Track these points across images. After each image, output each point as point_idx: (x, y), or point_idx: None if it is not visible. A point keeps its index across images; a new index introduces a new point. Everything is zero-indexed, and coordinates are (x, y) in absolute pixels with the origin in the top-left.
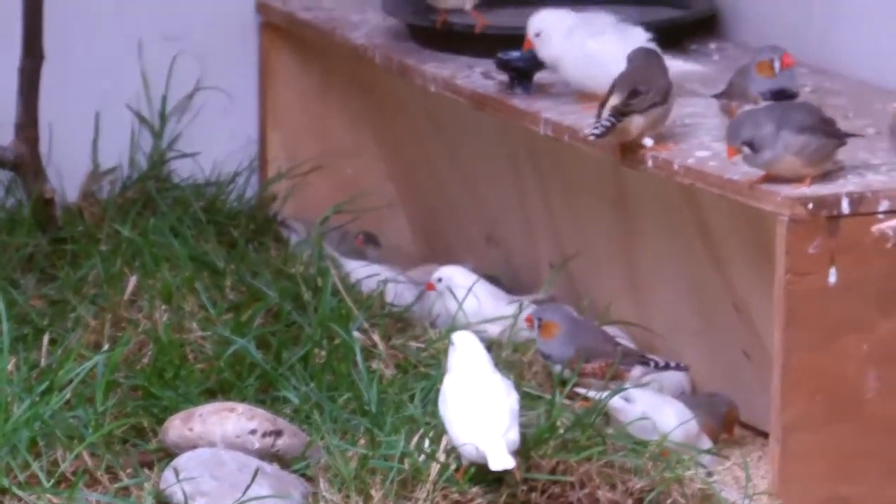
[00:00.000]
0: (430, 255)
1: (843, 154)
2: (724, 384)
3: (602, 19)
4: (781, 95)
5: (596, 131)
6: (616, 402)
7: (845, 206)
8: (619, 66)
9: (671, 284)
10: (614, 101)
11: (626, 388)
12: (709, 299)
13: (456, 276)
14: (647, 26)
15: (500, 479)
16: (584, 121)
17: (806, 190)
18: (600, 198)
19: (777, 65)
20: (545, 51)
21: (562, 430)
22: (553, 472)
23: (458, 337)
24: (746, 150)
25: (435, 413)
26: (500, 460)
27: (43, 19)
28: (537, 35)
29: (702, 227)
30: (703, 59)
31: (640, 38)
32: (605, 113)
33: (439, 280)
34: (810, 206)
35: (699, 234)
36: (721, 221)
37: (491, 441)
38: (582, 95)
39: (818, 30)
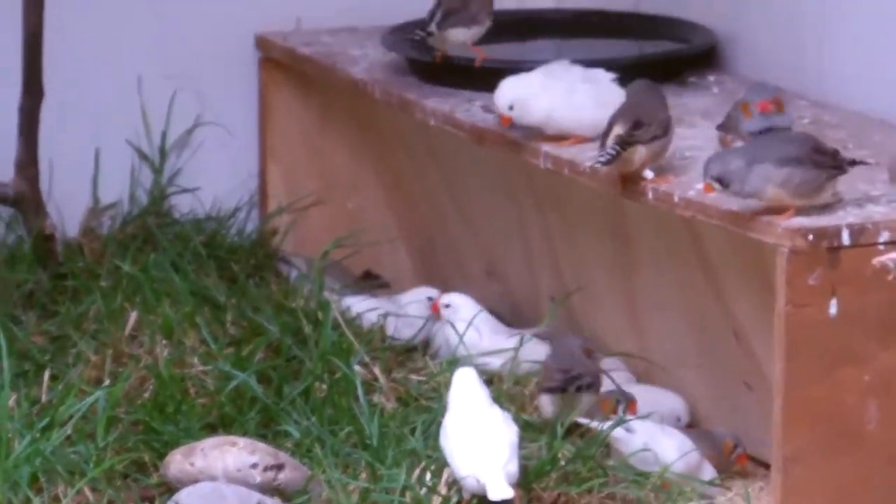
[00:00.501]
0: (428, 282)
1: (843, 185)
2: (725, 414)
3: (568, 72)
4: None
5: (602, 159)
6: (617, 432)
7: (846, 238)
8: (601, 110)
9: (672, 316)
10: (618, 130)
11: (627, 420)
12: (710, 330)
13: (463, 308)
14: (647, 59)
15: None
16: (583, 154)
17: (805, 221)
18: (600, 231)
19: (754, 109)
20: (525, 120)
21: (563, 462)
22: (555, 502)
23: (458, 374)
24: (717, 185)
25: (436, 446)
26: (499, 491)
27: (42, 57)
28: (511, 108)
29: (702, 258)
30: (702, 92)
31: (607, 78)
32: (610, 142)
33: (447, 306)
34: (811, 237)
35: (700, 266)
36: (721, 253)
37: (490, 472)
38: (559, 136)
39: (814, 62)
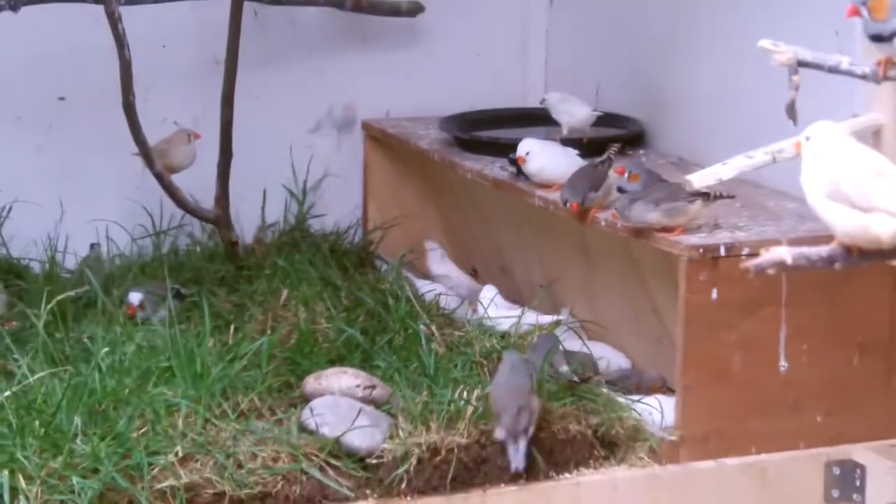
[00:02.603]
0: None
1: (722, 218)
2: (648, 361)
3: (554, 147)
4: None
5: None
6: None
7: (723, 251)
8: (569, 169)
9: (615, 297)
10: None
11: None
12: (637, 307)
13: (487, 292)
14: (597, 141)
15: None
16: (556, 196)
17: (697, 240)
18: (571, 244)
19: (612, 173)
20: (532, 164)
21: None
22: (542, 413)
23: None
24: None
25: (471, 374)
26: None
27: (232, 132)
28: (527, 154)
29: (634, 262)
30: (635, 159)
31: (574, 153)
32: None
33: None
34: (701, 250)
35: (632, 266)
36: (646, 258)
37: None
38: (544, 185)
39: (706, 143)
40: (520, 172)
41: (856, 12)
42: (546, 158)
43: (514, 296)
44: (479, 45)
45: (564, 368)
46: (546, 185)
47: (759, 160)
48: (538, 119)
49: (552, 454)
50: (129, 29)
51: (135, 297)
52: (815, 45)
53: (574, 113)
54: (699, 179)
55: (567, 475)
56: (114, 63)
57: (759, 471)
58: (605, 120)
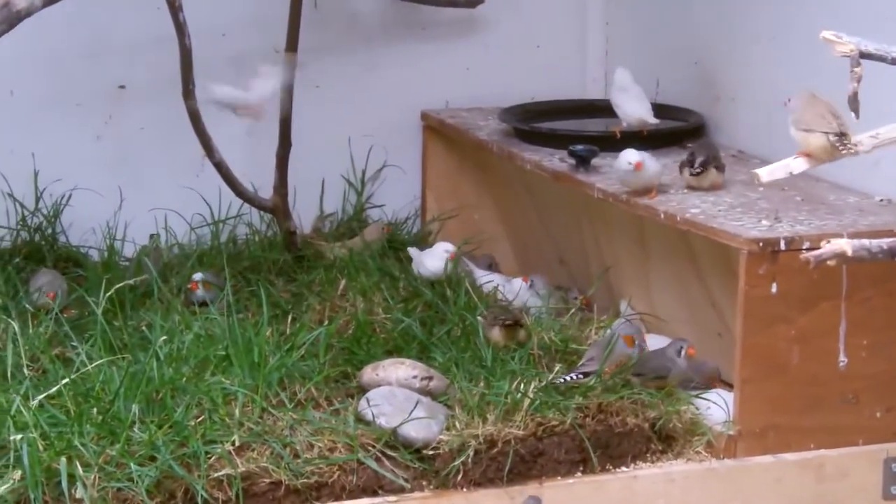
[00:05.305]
0: (525, 271)
1: (783, 213)
2: (705, 353)
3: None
4: None
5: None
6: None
7: (782, 245)
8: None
9: (672, 290)
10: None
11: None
12: (695, 300)
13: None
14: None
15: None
16: (621, 189)
17: (757, 233)
18: (628, 235)
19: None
20: (650, 169)
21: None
22: (599, 406)
23: None
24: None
25: (528, 366)
26: None
27: (291, 123)
28: (639, 160)
29: (692, 255)
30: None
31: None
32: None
33: (530, 285)
34: (761, 244)
35: (690, 260)
36: (704, 251)
37: None
38: (642, 191)
39: (734, 125)
40: (579, 164)
41: None
42: (654, 164)
43: (570, 286)
44: (539, 36)
45: (681, 362)
46: (646, 191)
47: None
48: (598, 110)
49: (609, 447)
50: (190, 17)
51: (197, 275)
52: (878, 37)
53: (628, 113)
54: (769, 174)
55: (624, 469)
56: (174, 51)
57: (817, 466)
58: (665, 112)
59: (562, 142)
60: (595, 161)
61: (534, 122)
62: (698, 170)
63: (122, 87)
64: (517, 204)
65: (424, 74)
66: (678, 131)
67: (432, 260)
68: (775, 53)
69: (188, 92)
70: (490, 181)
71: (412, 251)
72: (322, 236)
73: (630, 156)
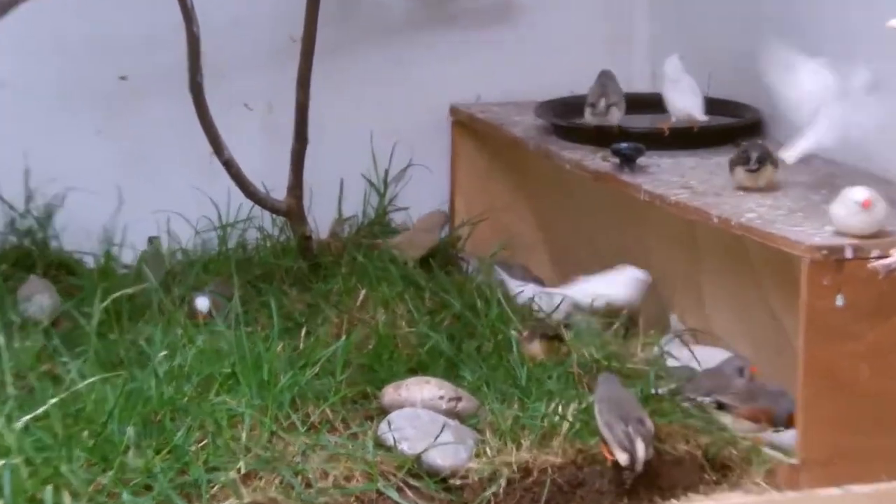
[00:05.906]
0: (562, 280)
1: None
2: (768, 372)
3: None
4: None
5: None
6: None
7: (849, 253)
8: None
9: (727, 301)
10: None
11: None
12: (752, 312)
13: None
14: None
15: None
16: (670, 191)
17: (820, 241)
18: (678, 241)
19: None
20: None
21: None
22: None
23: None
24: None
25: (567, 387)
26: None
27: (308, 117)
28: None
29: (749, 263)
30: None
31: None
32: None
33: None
34: (825, 252)
35: (747, 269)
36: (762, 260)
37: None
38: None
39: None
40: (624, 164)
41: None
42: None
43: None
44: (579, 24)
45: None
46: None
47: None
48: (644, 105)
49: (658, 477)
50: (199, 3)
51: (203, 304)
52: None
53: (677, 107)
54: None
55: (674, 501)
56: (181, 41)
57: (893, 500)
58: (719, 107)
59: (605, 139)
60: (641, 160)
61: (573, 117)
62: (755, 166)
63: (123, 78)
64: (554, 207)
65: (454, 66)
66: (732, 128)
67: (615, 287)
68: (835, 44)
69: (196, 84)
70: (525, 182)
71: (502, 274)
72: (340, 241)
73: (862, 193)
